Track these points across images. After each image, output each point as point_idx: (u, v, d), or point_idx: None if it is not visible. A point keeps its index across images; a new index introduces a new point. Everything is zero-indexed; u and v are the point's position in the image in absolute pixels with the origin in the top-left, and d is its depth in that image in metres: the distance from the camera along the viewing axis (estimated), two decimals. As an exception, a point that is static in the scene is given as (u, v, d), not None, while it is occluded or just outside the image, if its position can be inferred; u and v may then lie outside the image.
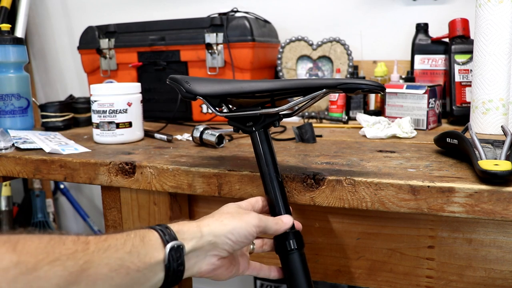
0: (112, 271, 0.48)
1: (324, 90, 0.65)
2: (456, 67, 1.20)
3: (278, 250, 0.66)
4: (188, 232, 0.56)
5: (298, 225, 0.69)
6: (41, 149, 0.97)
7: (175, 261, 0.53)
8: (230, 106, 0.75)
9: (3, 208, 1.83)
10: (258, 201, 0.69)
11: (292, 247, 0.65)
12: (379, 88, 0.63)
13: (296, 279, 0.64)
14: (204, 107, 1.32)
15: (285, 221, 0.65)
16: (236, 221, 0.59)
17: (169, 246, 0.53)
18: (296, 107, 0.72)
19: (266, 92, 0.68)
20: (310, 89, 0.66)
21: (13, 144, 1.00)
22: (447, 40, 1.27)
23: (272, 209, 0.68)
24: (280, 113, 0.70)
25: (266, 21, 1.43)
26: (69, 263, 0.44)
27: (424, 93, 1.12)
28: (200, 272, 0.58)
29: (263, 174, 0.69)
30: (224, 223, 0.59)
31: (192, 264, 0.57)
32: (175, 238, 0.55)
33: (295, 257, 0.65)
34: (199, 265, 0.58)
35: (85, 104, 1.29)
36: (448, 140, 0.80)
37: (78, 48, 1.44)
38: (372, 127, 1.06)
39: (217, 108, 0.72)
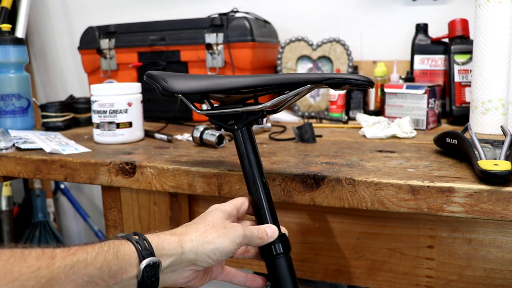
0: None
1: (309, 85, 0.62)
2: (456, 67, 1.20)
3: (263, 255, 0.64)
4: (168, 248, 0.54)
5: (284, 229, 0.66)
6: (41, 149, 0.98)
7: (149, 278, 0.51)
8: (214, 103, 0.72)
9: (4, 208, 1.83)
10: (244, 203, 0.66)
11: (278, 252, 0.62)
12: (367, 83, 0.60)
13: (283, 285, 0.62)
14: (204, 107, 1.32)
15: (270, 235, 0.62)
16: (221, 239, 0.56)
17: (144, 262, 0.51)
18: (280, 104, 0.68)
19: (247, 88, 0.65)
20: (294, 84, 0.63)
21: (13, 144, 1.00)
22: (446, 40, 1.27)
23: (256, 211, 0.65)
24: (263, 110, 0.67)
25: (266, 21, 1.43)
26: (29, 283, 0.42)
27: (424, 93, 1.12)
28: (175, 283, 0.57)
29: (247, 175, 0.66)
30: (207, 241, 0.56)
31: (167, 277, 0.55)
32: (152, 254, 0.52)
33: (282, 261, 0.62)
34: (174, 278, 0.56)
35: (86, 104, 1.30)
36: (447, 140, 0.80)
37: (79, 48, 1.44)
38: (372, 127, 1.06)
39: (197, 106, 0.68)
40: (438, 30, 1.34)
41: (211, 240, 0.56)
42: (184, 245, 0.55)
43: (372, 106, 1.33)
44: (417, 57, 1.31)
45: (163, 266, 0.53)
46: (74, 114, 1.29)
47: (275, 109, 0.70)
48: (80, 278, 0.45)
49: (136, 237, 0.53)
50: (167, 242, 0.54)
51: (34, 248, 0.45)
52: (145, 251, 0.51)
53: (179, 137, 1.09)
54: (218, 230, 0.57)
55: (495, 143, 0.77)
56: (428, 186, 0.65)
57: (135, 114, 1.04)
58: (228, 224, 0.59)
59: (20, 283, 0.41)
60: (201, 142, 0.99)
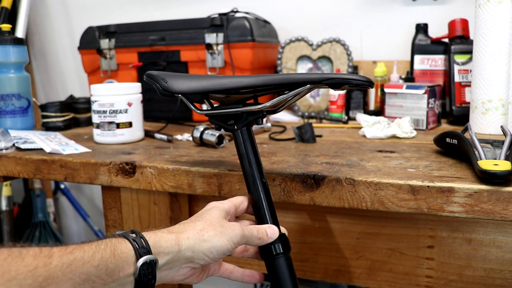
0: (76, 286, 0.46)
1: (309, 85, 0.62)
2: (456, 67, 1.20)
3: (263, 255, 0.64)
4: (165, 246, 0.54)
5: (284, 229, 0.66)
6: (41, 149, 0.98)
7: (146, 276, 0.51)
8: (213, 103, 0.72)
9: (4, 208, 1.83)
10: (243, 202, 0.66)
11: (278, 252, 0.62)
12: (367, 83, 0.60)
13: (283, 284, 0.62)
14: (204, 107, 1.32)
15: (270, 235, 0.62)
16: (218, 237, 0.56)
17: (141, 260, 0.51)
18: (280, 104, 0.68)
19: (247, 88, 0.66)
20: (294, 84, 0.63)
21: (13, 144, 1.00)
22: (446, 40, 1.27)
23: (256, 211, 0.65)
24: (263, 110, 0.67)
25: (266, 21, 1.43)
26: (26, 281, 0.42)
27: (424, 93, 1.12)
28: (172, 280, 0.57)
29: (246, 175, 0.66)
30: (204, 239, 0.56)
31: (164, 275, 0.55)
32: (149, 252, 0.52)
33: (281, 261, 0.62)
34: (171, 275, 0.56)
35: (86, 104, 1.30)
36: (447, 140, 0.80)
37: (79, 48, 1.44)
38: (372, 127, 1.06)
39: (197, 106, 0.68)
40: (438, 30, 1.34)
41: (208, 239, 0.56)
42: (181, 243, 0.55)
43: (372, 106, 1.33)
44: (417, 57, 1.31)
45: (160, 264, 0.53)
46: (74, 114, 1.29)
47: (275, 109, 0.70)
48: (77, 277, 0.46)
49: (133, 235, 0.53)
50: (164, 240, 0.54)
51: (31, 247, 0.45)
52: (142, 249, 0.52)
53: (179, 137, 1.09)
54: (215, 229, 0.57)
55: (495, 143, 0.77)
56: (428, 186, 0.65)
57: (135, 114, 1.04)
58: (226, 223, 0.59)
59: (17, 282, 0.41)
60: (201, 142, 0.99)
